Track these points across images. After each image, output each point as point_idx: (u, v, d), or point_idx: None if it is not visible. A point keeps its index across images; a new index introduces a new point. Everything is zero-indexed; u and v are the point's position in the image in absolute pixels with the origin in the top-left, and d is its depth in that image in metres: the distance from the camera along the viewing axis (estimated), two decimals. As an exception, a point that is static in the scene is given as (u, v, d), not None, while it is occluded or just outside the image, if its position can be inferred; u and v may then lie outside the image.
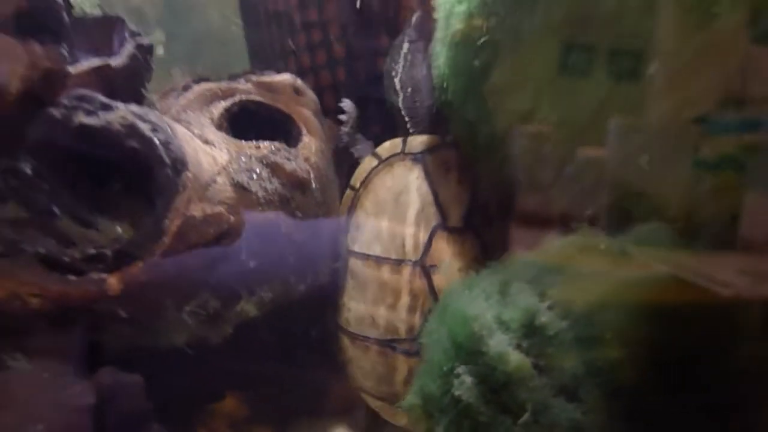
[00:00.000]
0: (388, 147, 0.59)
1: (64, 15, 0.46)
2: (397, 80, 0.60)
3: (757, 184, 0.44)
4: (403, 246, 0.57)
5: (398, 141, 0.58)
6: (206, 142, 0.50)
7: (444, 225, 0.56)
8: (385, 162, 0.58)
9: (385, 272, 0.57)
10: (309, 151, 0.56)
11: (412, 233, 0.56)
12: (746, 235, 0.44)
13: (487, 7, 0.47)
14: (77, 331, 0.42)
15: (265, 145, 0.53)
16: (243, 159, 0.50)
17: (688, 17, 0.43)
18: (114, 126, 0.43)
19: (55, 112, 0.43)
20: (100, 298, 0.41)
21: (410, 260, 0.56)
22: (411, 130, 0.60)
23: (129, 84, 0.50)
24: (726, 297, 0.42)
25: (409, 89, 0.60)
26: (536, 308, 0.43)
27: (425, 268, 0.56)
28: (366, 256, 0.58)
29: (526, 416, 0.40)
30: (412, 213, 0.57)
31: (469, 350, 0.41)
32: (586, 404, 0.40)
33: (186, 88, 0.57)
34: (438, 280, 0.55)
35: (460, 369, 0.42)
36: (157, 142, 0.44)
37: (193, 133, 0.51)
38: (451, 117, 0.55)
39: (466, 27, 0.48)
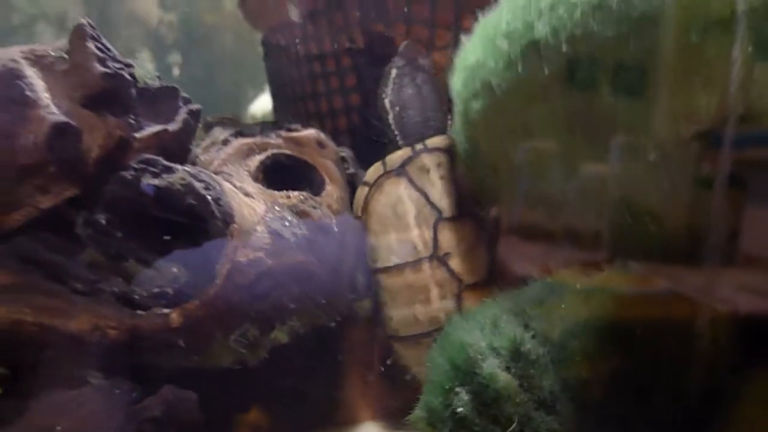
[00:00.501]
0: (372, 172, 0.68)
1: (133, 90, 0.56)
2: (387, 101, 0.70)
3: (758, 201, 0.48)
4: (415, 247, 0.65)
5: (378, 164, 0.67)
6: (246, 194, 0.59)
7: (442, 217, 0.65)
8: (374, 185, 0.67)
9: (409, 275, 0.65)
10: (331, 199, 0.66)
11: (418, 234, 0.65)
12: (746, 252, 0.49)
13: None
14: (145, 355, 0.51)
15: (295, 195, 0.63)
16: (277, 208, 0.60)
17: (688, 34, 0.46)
18: (175, 186, 0.52)
19: (126, 175, 0.53)
20: (164, 329, 0.51)
21: (425, 257, 0.65)
22: (400, 143, 0.69)
23: (181, 144, 0.60)
24: (724, 313, 0.49)
25: (397, 108, 0.69)
26: (521, 337, 0.53)
27: (441, 258, 0.65)
28: (388, 269, 0.66)
29: (513, 426, 0.49)
30: (411, 218, 0.66)
31: (465, 372, 0.50)
32: (562, 416, 0.50)
33: (226, 143, 0.67)
34: (454, 263, 0.64)
35: (458, 387, 0.51)
36: (210, 198, 0.54)
37: (235, 185, 0.60)
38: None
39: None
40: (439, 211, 0.65)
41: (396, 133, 0.69)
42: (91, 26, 0.54)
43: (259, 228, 0.57)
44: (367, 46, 0.82)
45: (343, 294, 0.65)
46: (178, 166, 0.55)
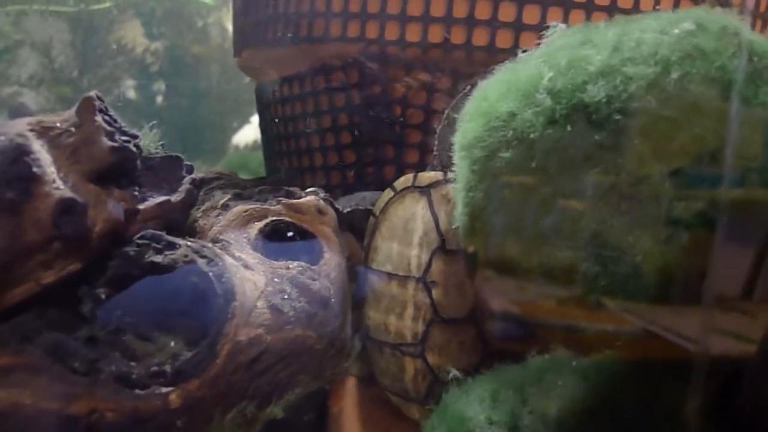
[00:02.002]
0: (402, 181, 0.70)
1: (138, 162, 0.56)
2: (447, 116, 0.71)
3: (727, 241, 0.48)
4: (409, 265, 0.67)
5: (410, 176, 0.70)
6: (246, 266, 0.59)
7: (443, 248, 0.66)
8: (399, 194, 0.69)
9: (394, 287, 0.68)
10: (330, 267, 0.66)
11: (416, 254, 0.67)
12: (716, 292, 0.49)
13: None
14: (142, 436, 0.51)
15: (294, 266, 0.63)
16: (276, 280, 0.60)
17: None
18: (178, 264, 0.52)
19: (129, 251, 0.52)
20: (163, 410, 0.50)
21: (414, 276, 0.67)
22: (435, 163, 0.71)
23: (184, 215, 0.60)
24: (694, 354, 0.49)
25: (448, 127, 0.69)
26: (519, 412, 0.53)
27: (426, 283, 0.66)
28: (381, 273, 0.69)
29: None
30: (416, 237, 0.67)
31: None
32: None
33: (225, 207, 0.66)
34: (436, 294, 0.66)
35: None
36: (212, 275, 0.54)
37: (234, 255, 0.60)
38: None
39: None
40: (442, 240, 0.66)
41: (436, 151, 0.71)
42: (99, 99, 0.54)
43: (259, 304, 0.56)
44: (365, 103, 0.83)
45: (339, 362, 0.65)
46: (181, 241, 0.54)
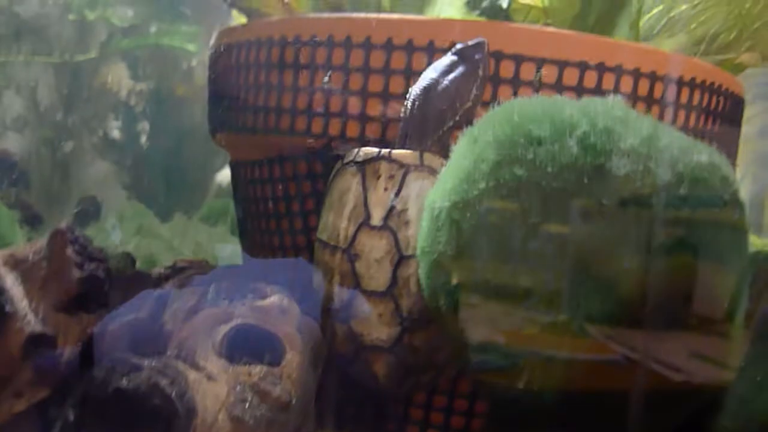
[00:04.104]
0: (348, 154, 0.73)
1: (107, 286, 0.59)
2: (415, 89, 0.72)
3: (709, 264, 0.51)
4: (338, 236, 0.71)
5: (355, 150, 0.72)
6: (210, 377, 0.62)
7: (367, 223, 0.70)
8: (342, 167, 0.73)
9: (327, 255, 0.73)
10: (291, 368, 0.69)
11: (344, 226, 0.71)
12: (698, 317, 0.52)
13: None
14: None
15: (256, 371, 0.66)
16: (238, 389, 0.63)
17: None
18: (142, 388, 0.56)
19: (96, 375, 0.56)
20: None
21: (341, 248, 0.71)
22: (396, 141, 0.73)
23: (151, 332, 0.63)
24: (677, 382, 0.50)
25: (414, 102, 0.71)
26: None
27: (350, 255, 0.70)
28: (320, 241, 0.74)
29: None
30: (348, 210, 0.71)
31: None
32: None
33: (192, 312, 0.70)
34: (359, 266, 0.70)
35: None
36: (174, 395, 0.57)
37: (198, 366, 0.64)
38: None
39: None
40: (368, 215, 0.70)
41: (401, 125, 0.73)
42: (71, 230, 0.57)
43: (220, 417, 0.60)
44: (315, 193, 0.87)
45: None
46: (146, 362, 0.58)
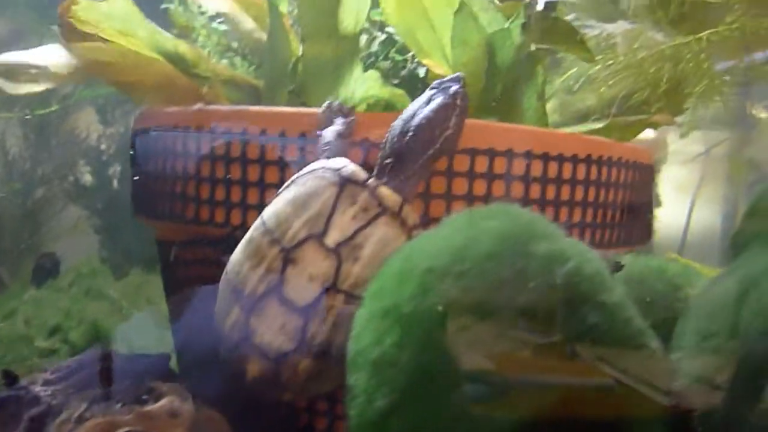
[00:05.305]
0: (341, 162, 0.71)
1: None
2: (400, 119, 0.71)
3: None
4: (286, 232, 0.69)
5: (345, 163, 0.70)
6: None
7: (320, 238, 0.68)
8: (316, 170, 0.71)
9: (264, 240, 0.70)
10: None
11: (297, 229, 0.69)
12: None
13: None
14: None
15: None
16: None
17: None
18: None
19: None
20: None
21: (283, 245, 0.69)
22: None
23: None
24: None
25: (397, 133, 0.71)
26: None
27: (287, 257, 0.69)
28: (263, 221, 0.71)
29: None
30: (307, 215, 0.69)
31: None
32: None
33: (80, 420, 0.71)
34: (290, 271, 0.68)
35: None
36: None
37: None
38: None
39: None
40: (323, 233, 0.68)
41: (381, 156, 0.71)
42: None
43: None
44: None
45: None
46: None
